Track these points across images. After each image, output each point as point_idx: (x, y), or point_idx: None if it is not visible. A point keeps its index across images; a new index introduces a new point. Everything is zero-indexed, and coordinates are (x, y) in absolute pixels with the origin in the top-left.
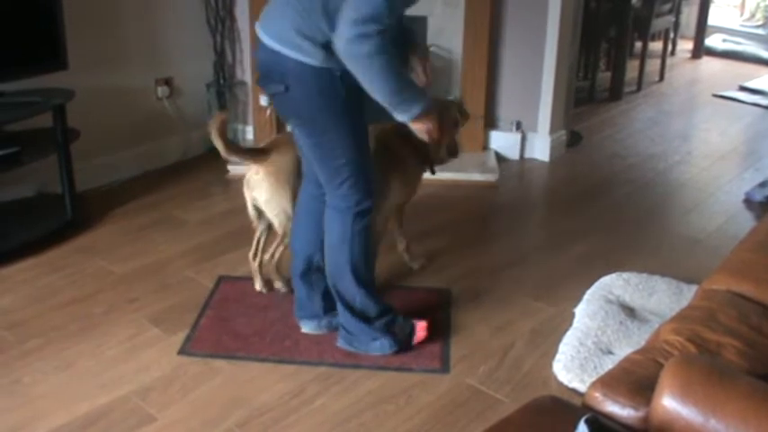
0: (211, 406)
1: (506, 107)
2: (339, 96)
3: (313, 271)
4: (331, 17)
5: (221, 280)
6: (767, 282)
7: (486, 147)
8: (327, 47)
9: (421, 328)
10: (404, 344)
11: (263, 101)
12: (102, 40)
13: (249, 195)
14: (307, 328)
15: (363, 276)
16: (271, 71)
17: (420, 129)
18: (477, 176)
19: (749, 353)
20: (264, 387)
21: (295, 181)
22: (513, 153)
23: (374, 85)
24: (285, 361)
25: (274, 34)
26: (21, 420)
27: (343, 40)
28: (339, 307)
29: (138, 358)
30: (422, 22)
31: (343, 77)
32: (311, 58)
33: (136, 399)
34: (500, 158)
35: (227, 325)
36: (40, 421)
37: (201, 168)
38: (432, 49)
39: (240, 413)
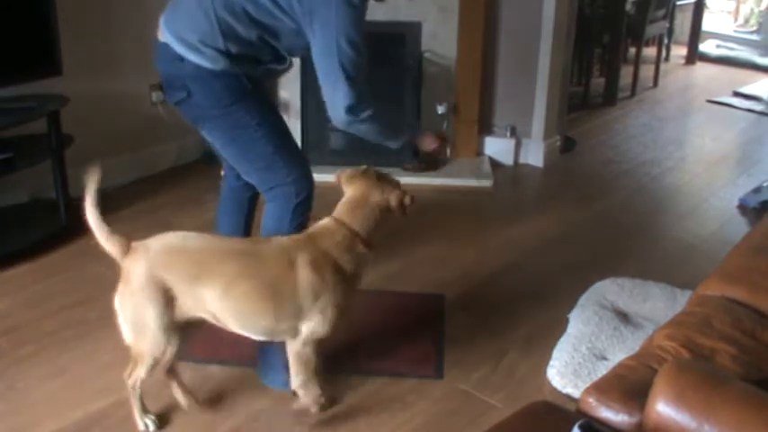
0: (205, 412)
1: (500, 113)
2: (245, 90)
3: None
4: (240, 41)
5: None
6: (761, 287)
7: (480, 152)
8: (231, 56)
9: None
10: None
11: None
12: (97, 45)
13: None
14: None
15: None
16: (172, 79)
17: (423, 143)
18: (471, 182)
19: (743, 358)
20: (258, 393)
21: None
22: (507, 159)
23: (374, 139)
24: None
25: (178, 36)
26: (15, 426)
27: (339, 121)
28: None
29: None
30: (416, 27)
31: (248, 76)
32: (213, 63)
33: (130, 405)
34: (494, 164)
35: (221, 331)
36: (34, 427)
37: (196, 174)
38: (426, 54)
39: (234, 419)
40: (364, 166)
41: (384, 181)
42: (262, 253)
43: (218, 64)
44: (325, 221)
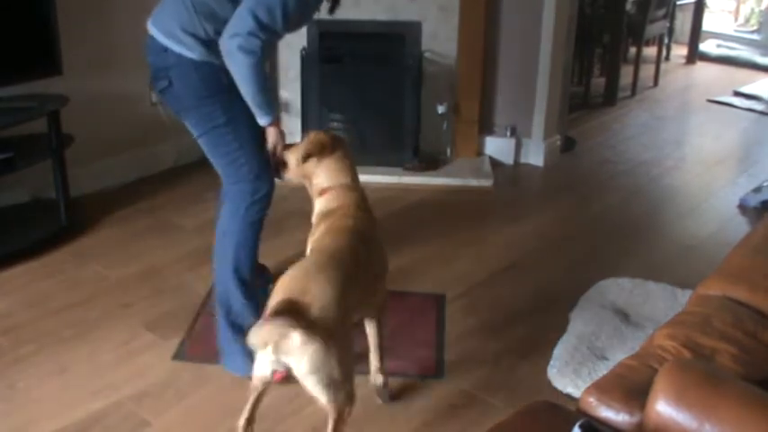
0: (206, 411)
1: (501, 112)
2: (222, 85)
3: None
4: (217, 19)
5: None
6: (762, 287)
7: (480, 152)
8: (208, 44)
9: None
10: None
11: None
12: (97, 45)
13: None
14: None
15: (247, 278)
16: (157, 70)
17: (273, 134)
18: (471, 182)
19: (744, 358)
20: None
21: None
22: (507, 158)
23: (242, 85)
24: None
25: (162, 28)
26: (15, 426)
27: (227, 41)
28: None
29: (133, 363)
30: (416, 27)
31: (224, 68)
32: (192, 52)
33: (130, 404)
34: (495, 164)
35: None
36: (34, 426)
37: (195, 174)
38: (426, 54)
39: (235, 419)
40: (318, 133)
41: (333, 134)
42: (366, 234)
43: (196, 52)
44: (347, 192)
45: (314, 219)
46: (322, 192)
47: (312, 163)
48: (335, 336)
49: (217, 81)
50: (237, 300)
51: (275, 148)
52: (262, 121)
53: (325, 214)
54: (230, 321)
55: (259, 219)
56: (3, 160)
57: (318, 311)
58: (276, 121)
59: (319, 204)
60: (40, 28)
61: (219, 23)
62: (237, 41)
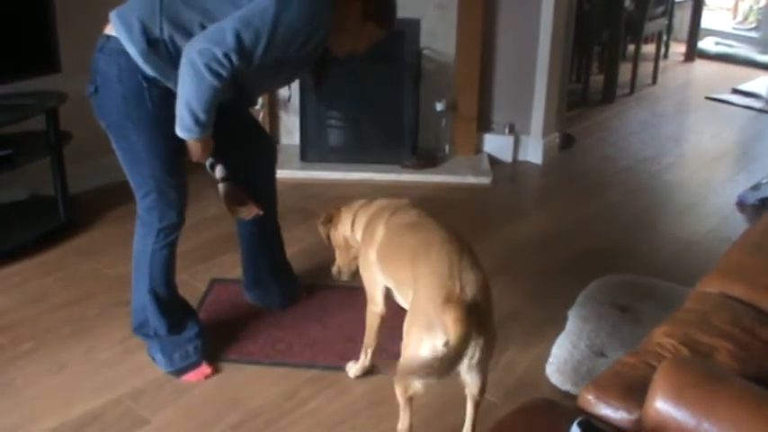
0: (204, 409)
1: (499, 110)
2: (145, 106)
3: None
4: (178, 25)
5: (214, 283)
6: (760, 284)
7: (479, 149)
8: (155, 44)
9: (200, 373)
10: (180, 371)
11: (259, 104)
12: (95, 43)
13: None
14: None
15: (162, 295)
16: (91, 71)
17: (193, 148)
18: (470, 179)
19: (742, 355)
20: (257, 390)
21: None
22: (505, 156)
23: (188, 97)
24: (278, 364)
25: (122, 15)
26: (13, 423)
27: (195, 55)
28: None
29: (131, 361)
30: (415, 24)
31: (150, 88)
32: (133, 45)
33: (129, 401)
34: (493, 161)
35: (221, 328)
36: (32, 424)
37: (193, 171)
38: (425, 51)
39: (233, 416)
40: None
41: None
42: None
43: (137, 46)
44: (371, 201)
45: (360, 242)
46: (353, 224)
47: (335, 229)
48: (492, 320)
49: (140, 100)
50: (154, 315)
51: (197, 156)
52: (190, 134)
53: (368, 224)
54: (143, 333)
55: (168, 243)
56: (1, 157)
57: (477, 298)
58: (198, 137)
59: (357, 231)
60: (39, 25)
61: (177, 29)
62: (206, 58)
